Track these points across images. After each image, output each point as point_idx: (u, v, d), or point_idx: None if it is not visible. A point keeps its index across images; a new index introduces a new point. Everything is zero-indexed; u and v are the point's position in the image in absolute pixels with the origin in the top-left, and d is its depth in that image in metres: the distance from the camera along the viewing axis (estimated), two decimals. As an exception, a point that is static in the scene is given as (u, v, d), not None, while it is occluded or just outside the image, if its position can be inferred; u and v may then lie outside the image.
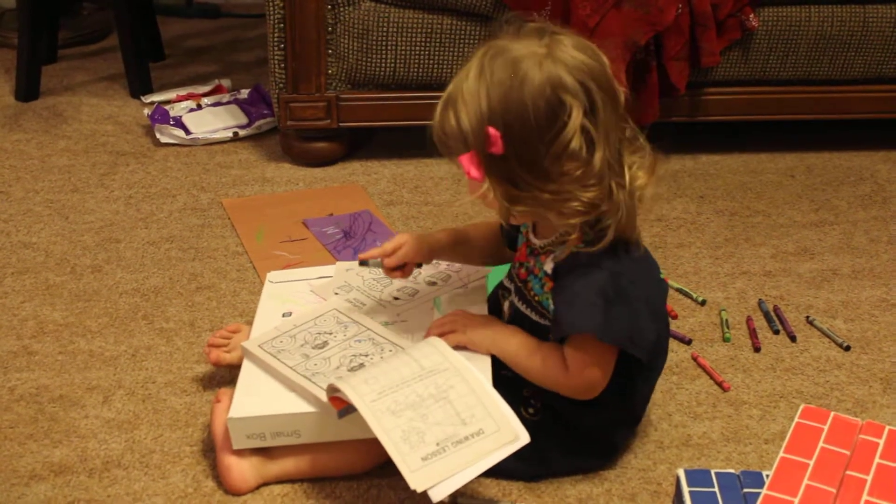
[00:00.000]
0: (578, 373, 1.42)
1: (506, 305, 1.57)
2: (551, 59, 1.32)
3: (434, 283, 1.72)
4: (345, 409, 1.42)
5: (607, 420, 1.51)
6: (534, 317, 1.50)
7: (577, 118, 1.31)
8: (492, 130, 1.32)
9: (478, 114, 1.33)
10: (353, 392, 1.40)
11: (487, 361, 1.48)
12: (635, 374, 1.49)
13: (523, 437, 1.38)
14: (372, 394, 1.40)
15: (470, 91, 1.34)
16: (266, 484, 1.50)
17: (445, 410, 1.39)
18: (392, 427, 1.37)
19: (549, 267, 1.45)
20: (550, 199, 1.36)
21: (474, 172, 1.34)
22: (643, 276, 1.44)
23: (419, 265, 1.64)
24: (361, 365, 1.53)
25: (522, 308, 1.51)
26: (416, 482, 1.32)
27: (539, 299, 1.48)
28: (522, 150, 1.33)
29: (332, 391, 1.42)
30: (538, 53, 1.33)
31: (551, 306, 1.45)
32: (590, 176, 1.34)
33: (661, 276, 1.52)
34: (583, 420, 1.50)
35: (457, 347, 1.49)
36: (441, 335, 1.51)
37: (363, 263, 1.62)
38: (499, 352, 1.49)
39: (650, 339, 1.46)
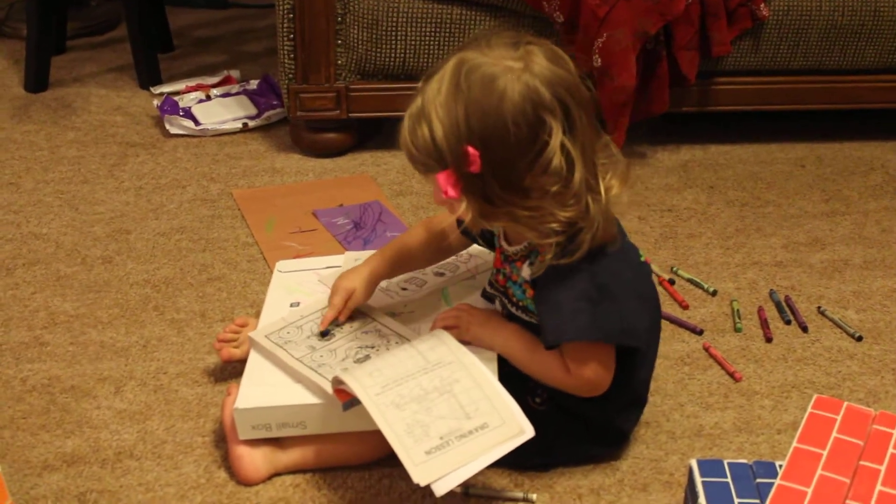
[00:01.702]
0: (579, 375, 1.42)
1: (497, 305, 1.56)
2: (529, 73, 1.31)
3: (442, 274, 1.72)
4: (349, 401, 1.42)
5: (611, 407, 1.50)
6: (524, 317, 1.49)
7: (557, 137, 1.31)
8: (471, 150, 1.30)
9: (455, 132, 1.31)
10: (358, 384, 1.40)
11: (493, 356, 1.48)
12: (633, 360, 1.48)
13: (528, 431, 1.37)
14: (376, 387, 1.40)
15: (445, 107, 1.31)
16: (278, 474, 1.50)
17: (450, 404, 1.39)
18: (396, 420, 1.36)
19: (526, 273, 1.44)
20: (527, 215, 1.35)
21: (451, 192, 1.32)
22: (623, 266, 1.43)
23: None
24: (367, 357, 1.53)
25: (512, 310, 1.51)
26: (419, 476, 1.31)
27: (523, 304, 1.48)
28: (501, 168, 1.32)
29: (337, 383, 1.42)
30: (515, 68, 1.31)
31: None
32: (569, 196, 1.34)
33: (641, 258, 1.52)
34: (587, 409, 1.49)
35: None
36: (444, 326, 1.51)
37: (325, 334, 1.59)
38: (501, 350, 1.49)
39: (644, 326, 1.46)
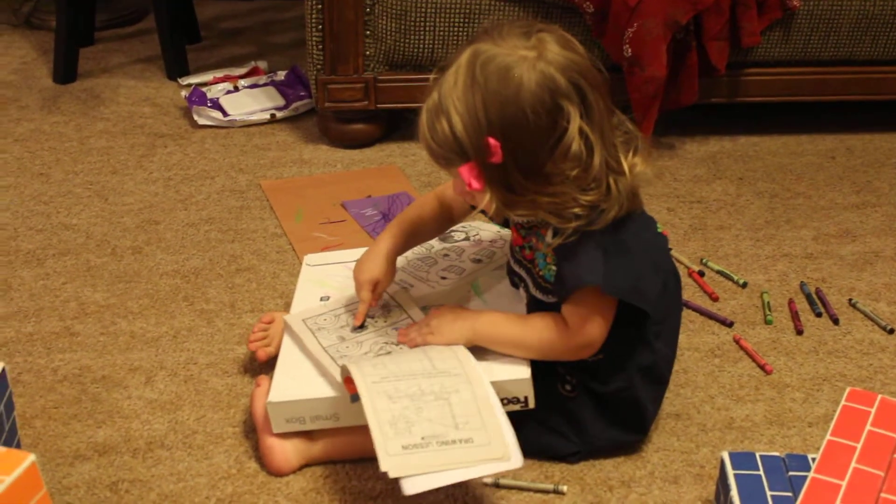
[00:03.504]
0: (579, 328, 1.42)
1: (521, 291, 1.56)
2: (543, 61, 1.32)
3: (479, 261, 1.72)
4: (357, 394, 1.41)
5: (635, 382, 1.50)
6: (547, 299, 1.49)
7: (575, 122, 1.32)
8: (492, 141, 1.31)
9: (475, 124, 1.32)
10: (358, 371, 1.40)
11: (528, 375, 1.44)
12: (646, 328, 1.48)
13: (514, 460, 1.33)
14: (375, 376, 1.40)
15: (462, 100, 1.33)
16: (308, 465, 1.51)
17: (442, 410, 1.37)
18: (383, 409, 1.36)
19: (549, 238, 1.44)
20: (549, 201, 1.36)
21: (475, 184, 1.34)
22: (640, 230, 1.44)
23: None
24: (388, 353, 1.52)
25: (536, 293, 1.51)
26: (388, 466, 1.30)
27: (543, 273, 1.48)
28: (522, 157, 1.33)
29: (346, 372, 1.42)
30: (529, 57, 1.32)
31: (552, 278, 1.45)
32: (589, 179, 1.35)
33: (659, 229, 1.52)
34: (610, 383, 1.49)
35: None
36: (412, 344, 1.51)
37: (362, 327, 1.59)
38: (482, 338, 1.48)
39: (654, 291, 1.45)
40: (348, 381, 1.42)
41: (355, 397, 1.41)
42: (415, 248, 1.74)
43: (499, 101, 1.31)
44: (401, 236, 1.62)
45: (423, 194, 2.23)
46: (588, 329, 1.42)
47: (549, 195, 1.35)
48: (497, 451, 1.34)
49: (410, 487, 1.30)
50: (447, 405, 1.38)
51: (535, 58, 1.32)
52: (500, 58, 1.32)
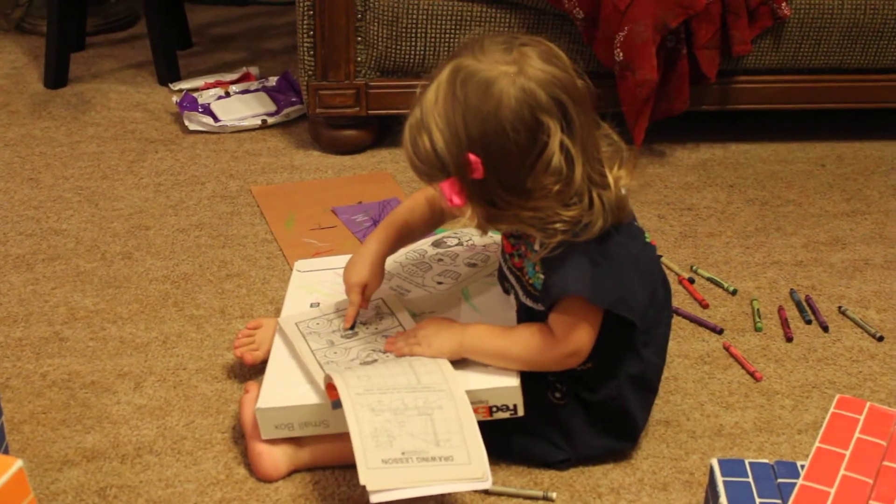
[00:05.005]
0: (566, 336, 1.42)
1: (512, 298, 1.56)
2: (524, 76, 1.32)
3: (474, 265, 1.72)
4: (339, 400, 1.41)
5: (622, 390, 1.50)
6: (537, 307, 1.49)
7: (556, 137, 1.32)
8: (472, 157, 1.32)
9: (455, 140, 1.32)
10: (342, 382, 1.40)
11: (517, 385, 1.44)
12: (633, 337, 1.48)
13: (488, 482, 1.35)
14: (359, 388, 1.40)
15: (443, 116, 1.33)
16: (297, 471, 1.50)
17: (424, 425, 1.37)
18: (365, 421, 1.36)
19: (537, 246, 1.43)
20: (531, 216, 1.37)
21: (456, 200, 1.34)
22: (627, 241, 1.44)
23: None
24: (375, 361, 1.52)
25: (526, 301, 1.50)
26: (367, 480, 1.31)
27: (532, 281, 1.48)
28: (503, 172, 1.34)
29: (329, 379, 1.42)
30: (509, 72, 1.32)
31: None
32: (570, 193, 1.35)
33: (648, 238, 1.52)
34: (599, 392, 1.49)
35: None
36: (399, 354, 1.51)
37: (353, 331, 1.60)
38: (469, 350, 1.48)
39: (641, 301, 1.45)
40: (331, 387, 1.42)
41: (336, 403, 1.41)
42: (409, 255, 1.74)
43: (479, 117, 1.31)
44: (389, 239, 1.62)
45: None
46: (574, 337, 1.42)
47: (531, 210, 1.36)
48: (476, 472, 1.34)
49: (377, 497, 1.30)
50: (430, 421, 1.38)
51: (515, 73, 1.32)
52: (480, 73, 1.33)
